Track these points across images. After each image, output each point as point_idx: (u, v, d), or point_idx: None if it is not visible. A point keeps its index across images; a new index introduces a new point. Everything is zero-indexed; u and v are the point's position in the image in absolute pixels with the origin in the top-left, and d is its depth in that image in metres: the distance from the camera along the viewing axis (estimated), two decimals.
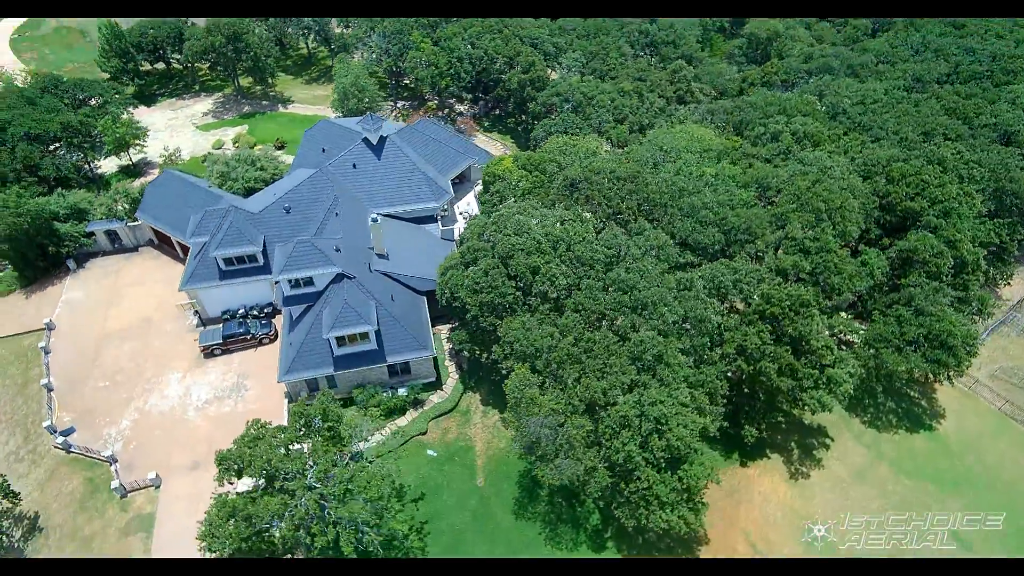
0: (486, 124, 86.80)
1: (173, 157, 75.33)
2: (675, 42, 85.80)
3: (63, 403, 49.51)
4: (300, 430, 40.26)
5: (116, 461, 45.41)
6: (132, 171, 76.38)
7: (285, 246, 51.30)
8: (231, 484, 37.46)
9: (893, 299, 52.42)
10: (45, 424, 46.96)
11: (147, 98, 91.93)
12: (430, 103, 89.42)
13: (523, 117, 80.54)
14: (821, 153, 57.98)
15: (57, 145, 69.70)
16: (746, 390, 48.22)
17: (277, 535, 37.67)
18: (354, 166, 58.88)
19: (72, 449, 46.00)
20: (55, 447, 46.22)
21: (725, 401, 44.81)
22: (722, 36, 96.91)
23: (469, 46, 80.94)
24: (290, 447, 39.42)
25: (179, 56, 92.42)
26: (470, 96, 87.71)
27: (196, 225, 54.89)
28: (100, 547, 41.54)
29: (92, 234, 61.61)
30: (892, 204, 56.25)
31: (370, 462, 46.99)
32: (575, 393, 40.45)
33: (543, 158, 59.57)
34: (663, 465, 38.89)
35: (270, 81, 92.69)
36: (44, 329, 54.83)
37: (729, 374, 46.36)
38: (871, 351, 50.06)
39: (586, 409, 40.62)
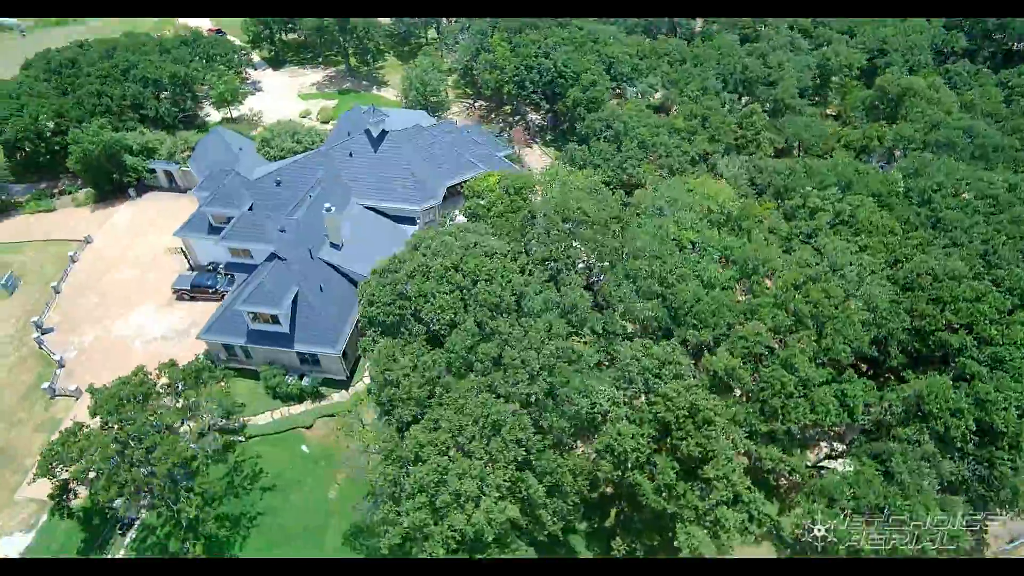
0: (549, 138, 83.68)
1: (255, 118, 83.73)
2: (775, 82, 74.34)
3: (59, 306, 58.30)
4: (178, 384, 43.01)
5: (63, 366, 52.45)
6: (231, 122, 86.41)
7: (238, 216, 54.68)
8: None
9: (871, 450, 40.80)
10: (34, 319, 55.71)
11: (278, 62, 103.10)
12: (505, 107, 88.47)
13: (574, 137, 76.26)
14: (846, 244, 46.66)
15: (167, 92, 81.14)
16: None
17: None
18: (351, 154, 60.48)
19: (41, 346, 54.06)
20: (33, 339, 54.68)
21: (581, 500, 38.72)
22: (860, 84, 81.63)
23: (543, 56, 78.19)
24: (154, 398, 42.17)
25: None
26: (546, 107, 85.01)
27: (203, 180, 60.61)
28: (16, 435, 48.45)
29: (153, 171, 71.13)
30: (926, 330, 43.69)
31: (246, 439, 48.80)
32: (404, 442, 37.72)
33: (528, 183, 55.83)
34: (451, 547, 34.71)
35: (372, 63, 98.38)
36: (82, 241, 64.81)
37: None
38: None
39: (409, 460, 37.66)
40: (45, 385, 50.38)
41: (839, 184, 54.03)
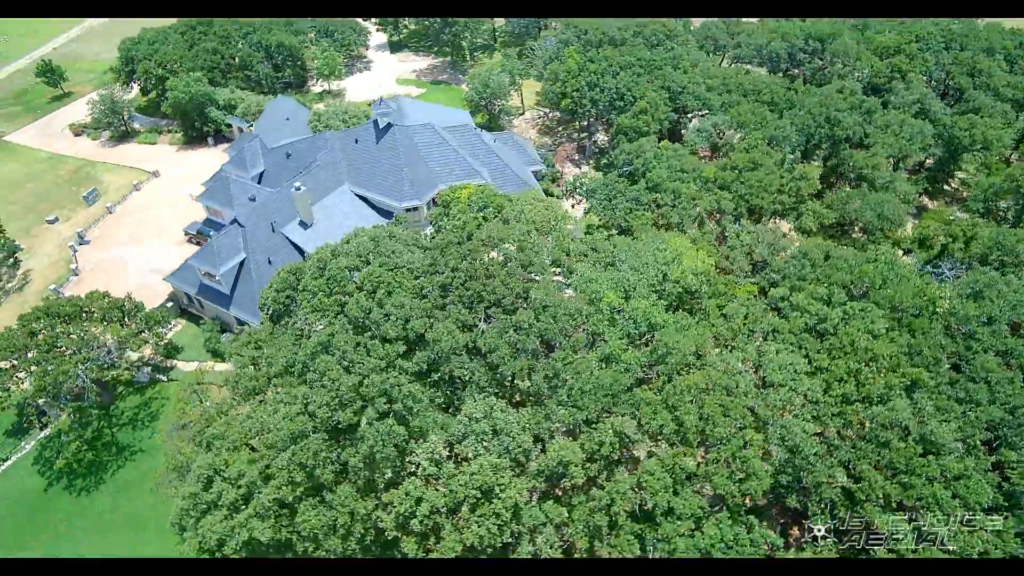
0: (604, 162, 77.76)
1: (335, 94, 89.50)
2: (869, 146, 60.44)
3: (105, 224, 68.05)
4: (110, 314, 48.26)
5: (76, 275, 61.24)
6: (328, 94, 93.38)
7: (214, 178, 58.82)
8: None
9: None
10: (78, 230, 65.70)
11: (398, 46, 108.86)
12: (575, 123, 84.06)
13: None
14: (791, 359, 36.68)
15: (275, 59, 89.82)
16: None
17: None
18: (356, 141, 61.67)
19: (74, 254, 63.60)
20: (69, 247, 64.55)
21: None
22: (1000, 168, 63.13)
23: (611, 75, 72.59)
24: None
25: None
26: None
27: (236, 141, 66.17)
28: None
29: (230, 125, 79.44)
30: (857, 498, 33.32)
31: (168, 380, 52.81)
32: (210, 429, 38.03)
33: (496, 203, 52.26)
34: None
35: (469, 59, 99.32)
36: (151, 174, 74.72)
37: None
38: None
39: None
40: (53, 287, 59.26)
41: (857, 286, 42.48)
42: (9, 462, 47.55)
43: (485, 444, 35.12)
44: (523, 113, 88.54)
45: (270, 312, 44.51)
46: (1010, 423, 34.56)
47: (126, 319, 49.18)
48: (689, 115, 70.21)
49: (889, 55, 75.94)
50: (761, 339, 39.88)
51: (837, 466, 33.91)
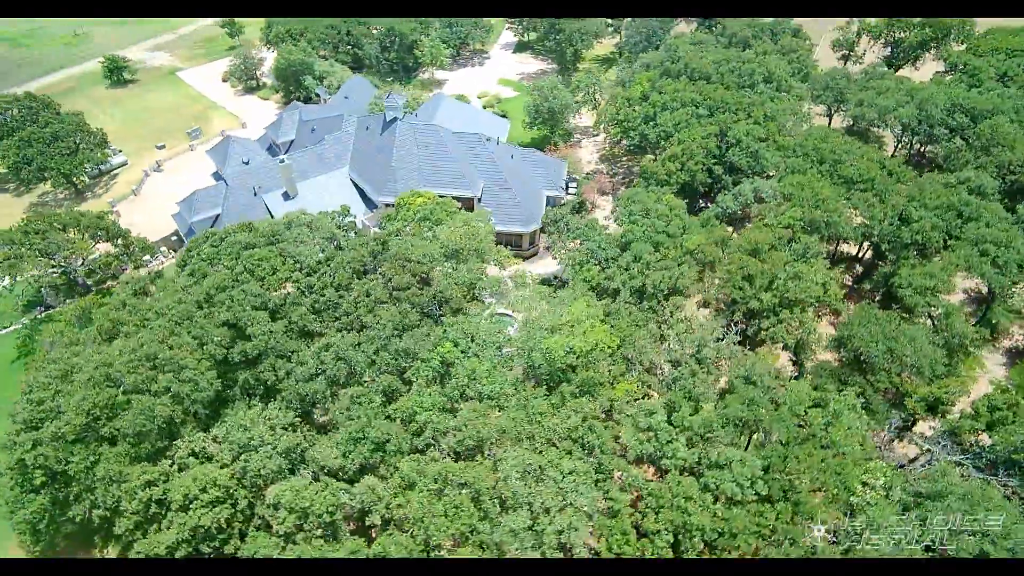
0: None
1: (438, 84, 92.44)
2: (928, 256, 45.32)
3: (179, 156, 78.46)
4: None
5: (135, 195, 71.66)
6: (427, 84, 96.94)
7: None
8: None
9: None
10: (158, 159, 76.83)
11: (522, 47, 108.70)
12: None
13: None
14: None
15: (384, 41, 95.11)
16: None
17: None
18: (367, 129, 62.89)
19: (144, 178, 74.61)
20: (143, 171, 75.76)
21: None
22: None
23: (670, 111, 64.53)
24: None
25: None
26: None
27: (287, 109, 71.75)
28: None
29: (318, 95, 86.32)
30: None
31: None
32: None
33: (438, 217, 49.75)
34: None
35: (574, 66, 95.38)
36: (241, 126, 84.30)
37: None
38: None
39: None
40: (111, 200, 70.33)
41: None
42: (7, 330, 57.66)
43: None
44: (597, 135, 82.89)
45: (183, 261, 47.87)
46: None
47: (116, 240, 56.43)
48: (739, 174, 59.53)
49: None
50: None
51: None
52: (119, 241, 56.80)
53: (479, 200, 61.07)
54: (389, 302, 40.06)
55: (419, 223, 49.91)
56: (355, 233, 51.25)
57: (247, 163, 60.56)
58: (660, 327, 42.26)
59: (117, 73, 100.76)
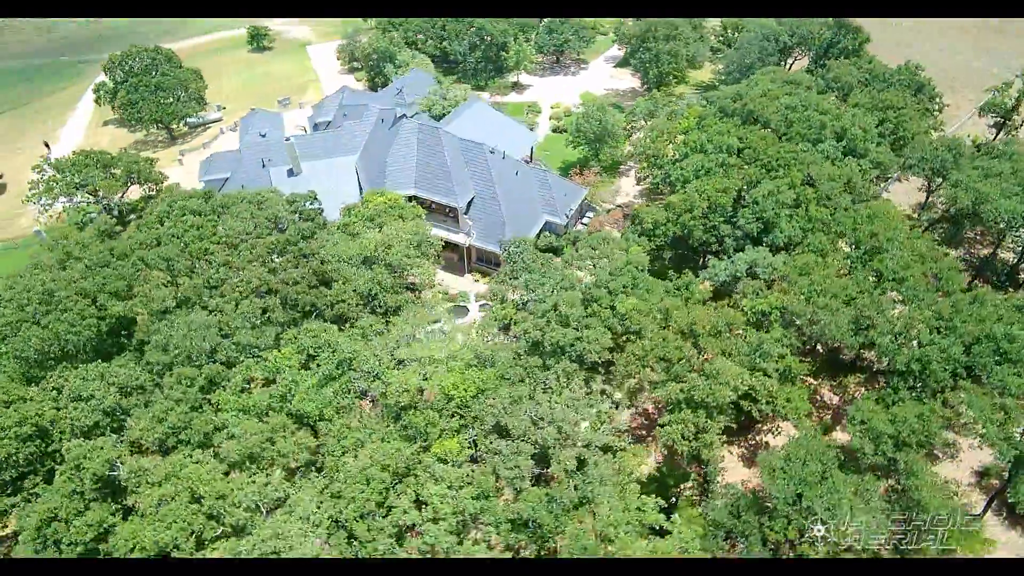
0: None
1: (522, 88, 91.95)
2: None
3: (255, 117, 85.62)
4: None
5: (205, 147, 79.81)
6: (512, 86, 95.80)
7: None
8: None
9: None
10: (236, 120, 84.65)
11: (625, 62, 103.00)
12: None
13: None
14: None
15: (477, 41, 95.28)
16: None
17: None
18: (382, 121, 63.39)
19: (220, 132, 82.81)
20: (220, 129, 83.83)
21: None
22: None
23: (701, 153, 56.87)
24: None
25: None
26: None
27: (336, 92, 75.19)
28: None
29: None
30: None
31: None
32: None
33: (381, 221, 48.74)
34: None
35: (662, 87, 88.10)
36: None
37: None
38: None
39: None
40: (181, 150, 78.99)
41: None
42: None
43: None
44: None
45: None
46: None
47: (150, 185, 63.40)
48: (747, 239, 50.42)
49: None
50: None
51: None
52: (153, 186, 63.57)
53: (465, 212, 58.97)
54: (269, 295, 40.09)
55: (364, 222, 49.31)
56: (311, 220, 52.16)
57: (264, 136, 64.34)
58: (533, 389, 37.32)
59: (257, 40, 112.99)
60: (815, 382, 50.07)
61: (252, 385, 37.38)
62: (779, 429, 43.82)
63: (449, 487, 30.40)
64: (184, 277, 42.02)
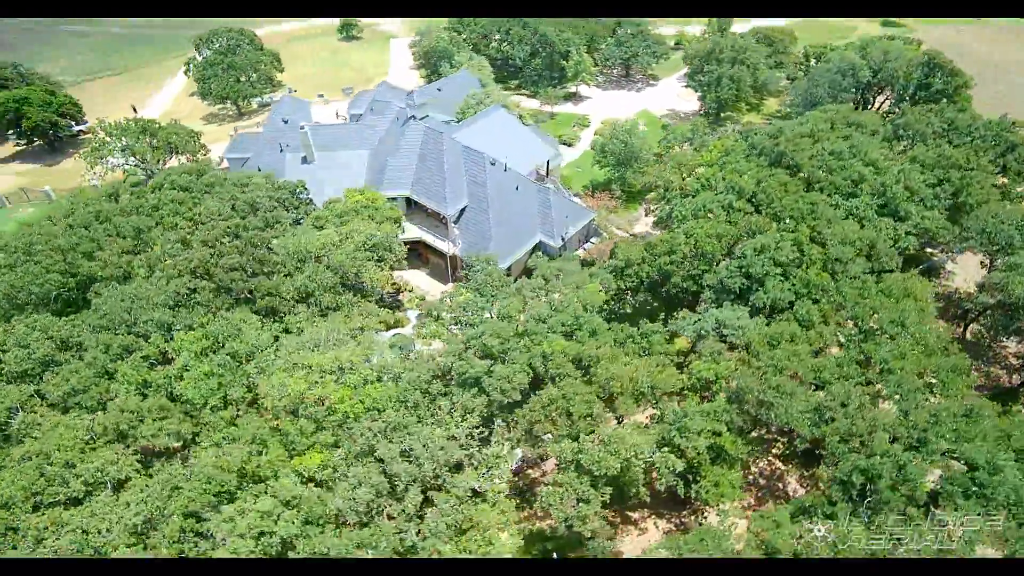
0: None
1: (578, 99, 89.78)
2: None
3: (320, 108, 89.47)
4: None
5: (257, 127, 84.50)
6: (569, 96, 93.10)
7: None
8: None
9: None
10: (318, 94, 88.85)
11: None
12: None
13: None
14: None
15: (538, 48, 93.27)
16: None
17: None
18: (397, 119, 63.45)
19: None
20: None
21: None
22: None
23: (711, 192, 51.80)
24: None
25: None
26: None
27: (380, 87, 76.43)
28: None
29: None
30: None
31: None
32: None
33: (348, 219, 48.66)
34: None
35: (720, 112, 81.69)
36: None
37: None
38: None
39: None
40: (236, 127, 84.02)
41: None
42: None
43: None
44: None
45: None
46: None
47: (189, 156, 68.00)
48: (729, 295, 44.85)
49: None
50: None
51: None
52: (190, 156, 68.08)
53: (456, 221, 57.70)
54: (208, 278, 41.20)
55: (333, 218, 49.51)
56: (295, 208, 53.32)
57: (286, 122, 66.55)
58: (420, 417, 35.39)
59: (347, 29, 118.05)
60: (784, 467, 44.03)
61: (171, 365, 38.36)
62: (707, 512, 38.71)
63: (285, 504, 29.44)
64: (146, 248, 44.38)
